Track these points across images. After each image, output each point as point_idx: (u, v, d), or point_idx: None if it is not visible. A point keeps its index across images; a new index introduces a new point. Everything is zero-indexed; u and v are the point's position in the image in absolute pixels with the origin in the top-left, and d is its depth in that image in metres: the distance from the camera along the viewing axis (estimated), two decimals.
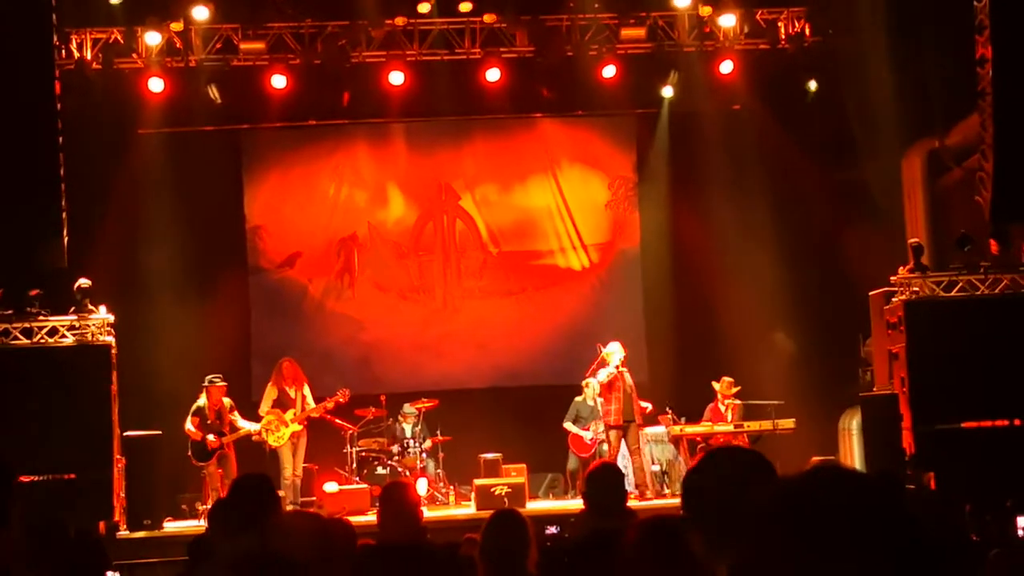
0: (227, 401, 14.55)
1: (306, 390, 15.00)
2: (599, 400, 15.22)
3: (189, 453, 14.42)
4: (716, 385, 15.38)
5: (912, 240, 14.80)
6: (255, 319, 17.54)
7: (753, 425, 15.07)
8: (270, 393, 14.98)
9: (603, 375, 14.82)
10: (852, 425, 15.49)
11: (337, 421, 15.37)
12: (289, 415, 14.75)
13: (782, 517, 1.62)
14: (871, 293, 15.25)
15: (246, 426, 14.61)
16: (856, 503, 1.60)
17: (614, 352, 14.84)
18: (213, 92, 15.93)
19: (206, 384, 14.46)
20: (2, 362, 13.55)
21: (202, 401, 14.42)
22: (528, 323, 17.71)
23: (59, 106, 14.43)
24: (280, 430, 14.69)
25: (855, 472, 1.67)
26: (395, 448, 15.46)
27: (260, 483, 5.57)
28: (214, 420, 14.41)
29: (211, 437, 14.30)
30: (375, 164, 17.93)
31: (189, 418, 14.39)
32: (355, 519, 12.66)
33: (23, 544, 4.85)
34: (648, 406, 15.14)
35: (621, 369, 14.79)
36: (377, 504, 5.70)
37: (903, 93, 15.38)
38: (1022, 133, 13.48)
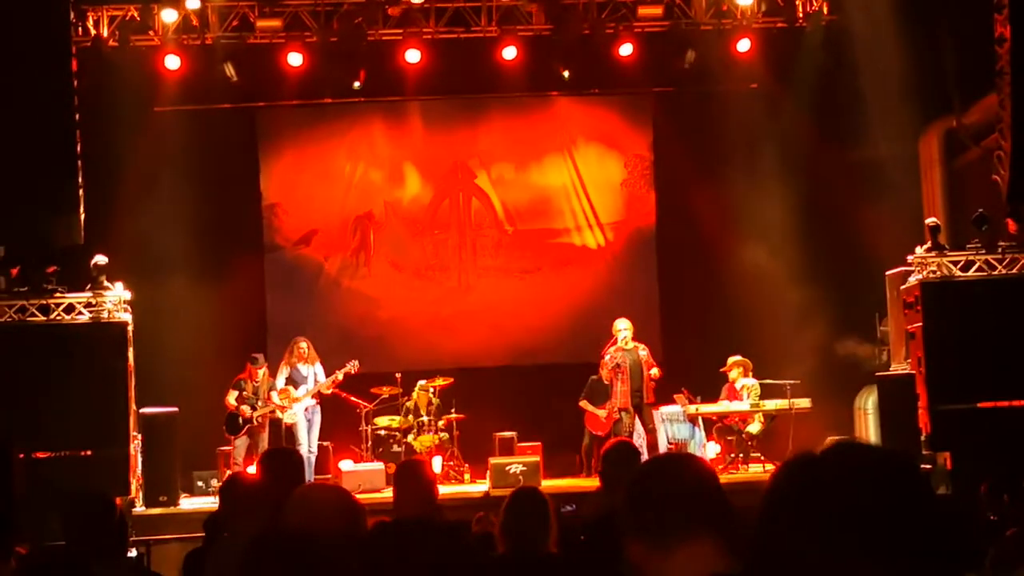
0: (267, 378, 14.86)
1: (318, 368, 15.05)
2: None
3: (224, 426, 14.80)
4: (726, 368, 15.38)
5: (929, 220, 14.74)
6: (271, 296, 17.56)
7: (769, 405, 15.07)
8: (282, 371, 15.05)
9: (607, 358, 14.79)
10: (868, 405, 15.45)
11: (352, 399, 15.40)
12: (301, 392, 14.84)
13: (802, 490, 1.61)
14: (888, 273, 15.20)
15: (277, 402, 14.80)
16: (876, 476, 1.59)
17: (621, 330, 14.81)
18: (229, 70, 15.94)
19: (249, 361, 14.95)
20: (19, 339, 13.60)
21: (243, 375, 14.83)
22: (543, 301, 17.68)
23: (76, 83, 14.45)
24: (293, 407, 14.79)
25: (875, 447, 1.66)
26: (410, 426, 15.48)
27: (286, 457, 5.59)
28: (251, 395, 14.75)
29: (245, 408, 14.68)
30: (391, 142, 17.91)
31: (228, 390, 14.80)
32: (370, 497, 12.74)
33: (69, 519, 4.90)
34: (655, 372, 14.96)
35: (628, 347, 14.76)
36: (393, 482, 5.69)
37: (920, 72, 15.30)
38: None
